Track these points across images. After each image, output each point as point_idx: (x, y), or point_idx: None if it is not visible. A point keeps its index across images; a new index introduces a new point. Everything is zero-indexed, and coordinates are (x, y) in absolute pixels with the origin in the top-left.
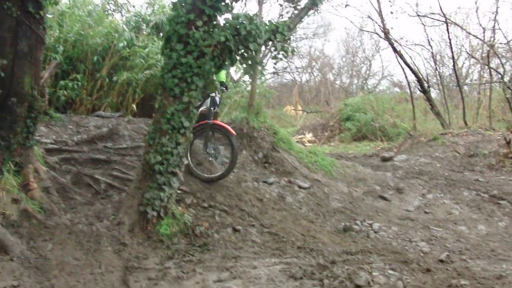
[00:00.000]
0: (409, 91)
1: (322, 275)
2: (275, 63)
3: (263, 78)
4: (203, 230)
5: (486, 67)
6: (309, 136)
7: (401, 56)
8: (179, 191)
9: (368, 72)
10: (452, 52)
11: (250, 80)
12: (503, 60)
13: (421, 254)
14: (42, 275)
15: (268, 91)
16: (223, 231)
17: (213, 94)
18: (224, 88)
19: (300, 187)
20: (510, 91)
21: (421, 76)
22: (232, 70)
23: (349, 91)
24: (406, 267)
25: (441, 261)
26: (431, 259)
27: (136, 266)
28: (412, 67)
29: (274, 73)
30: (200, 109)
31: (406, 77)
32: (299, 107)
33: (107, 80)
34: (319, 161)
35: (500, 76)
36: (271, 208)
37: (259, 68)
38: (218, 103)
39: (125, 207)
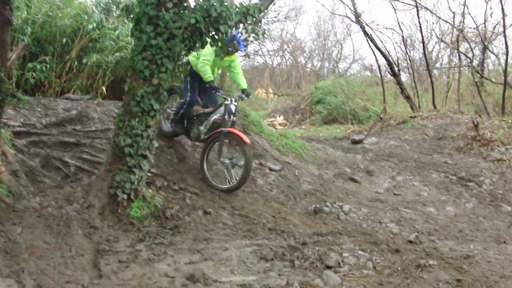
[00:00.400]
0: (379, 75)
1: (292, 256)
2: (246, 46)
3: None
4: (174, 212)
5: (456, 51)
6: (280, 119)
7: (372, 40)
8: (149, 174)
9: (339, 55)
10: (422, 36)
11: None
12: (472, 45)
13: (391, 235)
14: (11, 259)
15: None
16: (194, 214)
17: (228, 102)
18: (245, 96)
19: (271, 169)
20: (478, 75)
21: (391, 60)
22: None
23: (320, 74)
24: (375, 248)
25: (410, 241)
26: (400, 240)
27: (106, 249)
28: (383, 50)
29: (245, 55)
30: (214, 118)
31: (376, 60)
32: (270, 90)
33: (76, 62)
34: (290, 144)
35: (469, 60)
36: (242, 191)
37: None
38: (234, 111)
39: (95, 190)
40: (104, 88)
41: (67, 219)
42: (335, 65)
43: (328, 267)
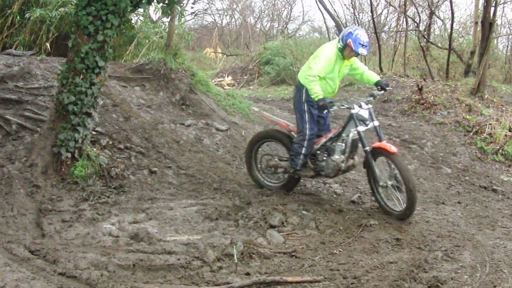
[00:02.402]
0: (328, 37)
1: (237, 216)
2: (193, 3)
3: (182, 19)
4: (119, 171)
5: (403, 15)
6: (228, 79)
7: (321, 2)
8: (94, 132)
9: (288, 16)
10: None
11: (169, 20)
12: (420, 9)
13: (334, 196)
14: None
15: (187, 33)
16: (139, 173)
17: (355, 110)
18: (381, 90)
19: (217, 129)
20: (425, 39)
21: (340, 22)
22: (151, 9)
23: (269, 35)
24: (319, 208)
25: (353, 202)
26: (343, 200)
27: (50, 208)
28: (332, 12)
29: (192, 13)
30: (351, 137)
31: (325, 22)
32: (219, 50)
33: (18, 17)
34: (237, 104)
35: (416, 24)
36: (188, 150)
37: (178, 8)
38: (369, 115)
39: (38, 148)
40: (48, 44)
41: (8, 178)
42: (285, 26)
43: (272, 227)
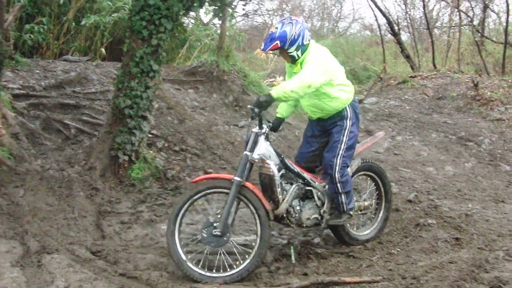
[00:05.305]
0: (379, 34)
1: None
2: (244, 5)
3: (233, 20)
4: (175, 173)
5: (456, 10)
6: (280, 79)
7: None
8: (150, 135)
9: (339, 15)
10: None
11: (220, 22)
12: (473, 3)
13: None
14: (15, 221)
15: (238, 34)
16: (195, 175)
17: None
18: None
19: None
20: (479, 34)
21: (391, 19)
22: (202, 12)
23: (320, 34)
24: None
25: (410, 201)
26: (399, 199)
27: (109, 210)
28: (383, 9)
29: (244, 15)
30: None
31: (376, 20)
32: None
33: (74, 23)
34: None
35: (469, 19)
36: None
37: (229, 10)
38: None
39: (96, 152)
40: (103, 50)
41: (68, 181)
42: (335, 24)
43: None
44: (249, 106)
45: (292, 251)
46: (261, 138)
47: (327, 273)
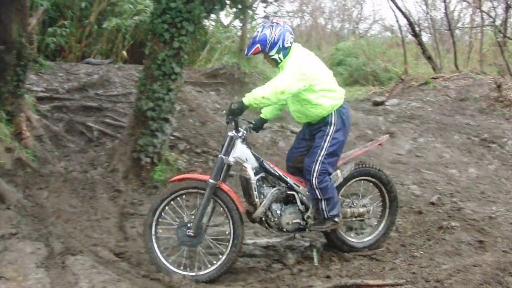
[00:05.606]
0: (400, 35)
1: None
2: (265, 7)
3: (253, 22)
4: None
5: (478, 10)
6: None
7: (393, 0)
8: (172, 137)
9: (359, 16)
10: None
11: (241, 24)
12: (495, 4)
13: (413, 197)
14: (39, 223)
15: None
16: None
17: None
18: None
19: (292, 132)
20: (501, 35)
21: (412, 20)
22: (222, 14)
23: (340, 35)
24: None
25: (432, 203)
26: (422, 201)
27: (131, 212)
28: (404, 10)
29: (264, 17)
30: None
31: (397, 21)
32: None
33: (95, 26)
34: None
35: (491, 19)
36: (264, 153)
37: (250, 12)
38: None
39: (119, 154)
40: (124, 52)
41: (92, 183)
42: (356, 26)
43: (351, 229)
44: (224, 112)
45: (314, 253)
46: (238, 142)
47: (350, 276)
